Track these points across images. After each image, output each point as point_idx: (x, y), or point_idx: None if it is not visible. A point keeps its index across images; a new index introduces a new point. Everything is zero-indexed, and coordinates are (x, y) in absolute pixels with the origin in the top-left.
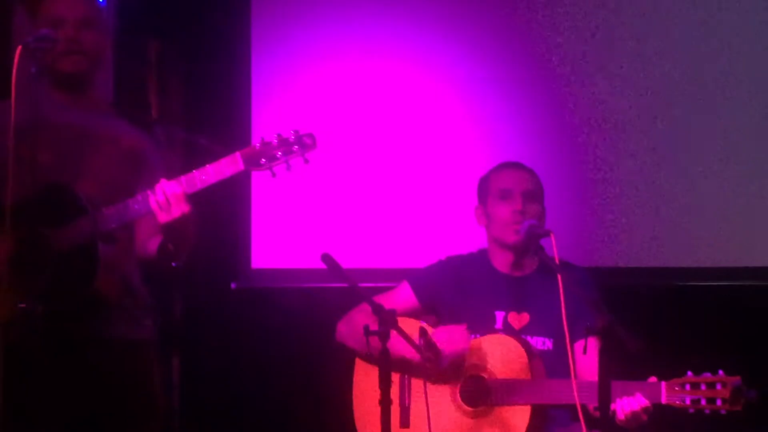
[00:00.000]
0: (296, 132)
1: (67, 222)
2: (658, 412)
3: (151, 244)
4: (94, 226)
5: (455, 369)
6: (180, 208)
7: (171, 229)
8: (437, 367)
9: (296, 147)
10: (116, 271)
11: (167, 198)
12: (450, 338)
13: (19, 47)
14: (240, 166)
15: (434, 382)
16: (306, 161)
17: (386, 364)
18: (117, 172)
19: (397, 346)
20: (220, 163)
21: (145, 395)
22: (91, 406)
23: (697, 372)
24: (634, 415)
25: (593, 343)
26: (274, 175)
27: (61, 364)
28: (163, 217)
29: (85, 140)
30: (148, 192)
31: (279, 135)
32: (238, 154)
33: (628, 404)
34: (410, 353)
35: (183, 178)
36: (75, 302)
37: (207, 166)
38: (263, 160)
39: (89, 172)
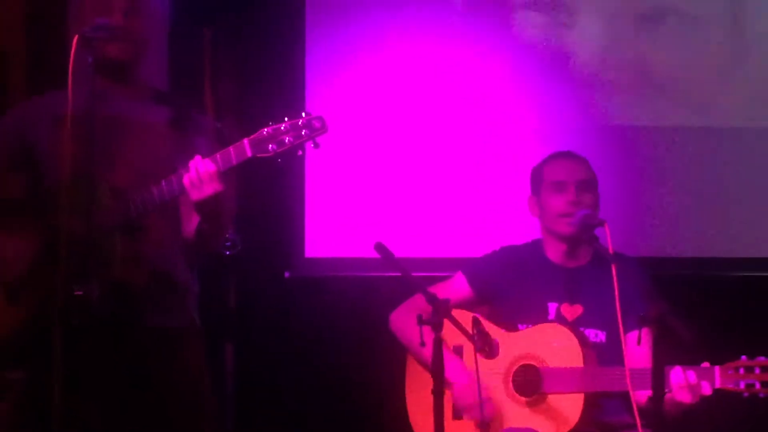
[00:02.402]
0: (306, 115)
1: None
2: (713, 399)
3: (189, 227)
4: (111, 218)
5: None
6: (213, 187)
7: (204, 208)
8: (490, 358)
9: (305, 131)
10: (145, 259)
11: (199, 175)
12: None
13: (76, 37)
14: (247, 153)
15: (486, 373)
16: (316, 145)
17: (439, 353)
18: (156, 160)
19: (450, 337)
20: (227, 151)
21: (179, 382)
22: (126, 392)
23: (751, 357)
24: (691, 388)
25: (647, 334)
26: (278, 160)
27: (101, 351)
28: (195, 195)
29: (120, 129)
30: (181, 170)
31: (288, 119)
32: (245, 140)
33: (681, 378)
34: (463, 343)
35: (218, 155)
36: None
37: (216, 154)
38: (272, 146)
39: (124, 161)
